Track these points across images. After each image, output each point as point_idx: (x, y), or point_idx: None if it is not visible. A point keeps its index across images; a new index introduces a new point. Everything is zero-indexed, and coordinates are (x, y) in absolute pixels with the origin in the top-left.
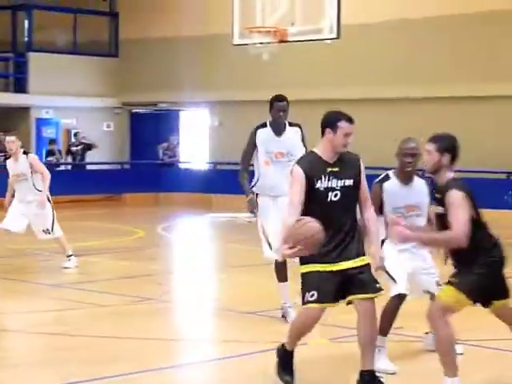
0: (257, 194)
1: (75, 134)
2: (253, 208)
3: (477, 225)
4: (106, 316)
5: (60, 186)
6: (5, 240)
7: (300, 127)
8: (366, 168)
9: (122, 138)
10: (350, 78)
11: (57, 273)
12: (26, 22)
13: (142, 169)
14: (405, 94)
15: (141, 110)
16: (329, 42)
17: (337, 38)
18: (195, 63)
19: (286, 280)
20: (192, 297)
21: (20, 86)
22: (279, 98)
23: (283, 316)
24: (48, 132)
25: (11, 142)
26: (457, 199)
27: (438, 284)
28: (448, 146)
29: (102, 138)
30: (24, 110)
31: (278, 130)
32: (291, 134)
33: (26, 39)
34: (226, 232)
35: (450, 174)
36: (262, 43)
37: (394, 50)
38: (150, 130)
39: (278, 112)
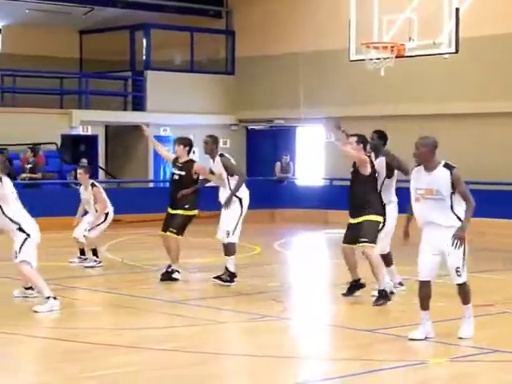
0: None
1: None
2: None
3: None
4: (222, 333)
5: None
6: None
7: None
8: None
9: (239, 155)
10: (467, 91)
11: (174, 289)
12: (144, 42)
13: (258, 185)
14: None
15: (257, 127)
16: (447, 56)
17: (456, 52)
18: (311, 79)
19: None
20: (309, 314)
21: (138, 105)
22: None
23: None
24: (166, 149)
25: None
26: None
27: None
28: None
29: None
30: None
31: None
32: None
33: (144, 58)
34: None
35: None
36: (378, 59)
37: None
38: (266, 146)
39: None
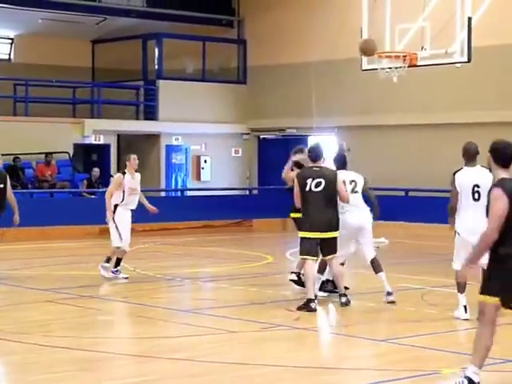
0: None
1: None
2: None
3: None
4: (235, 342)
5: (189, 211)
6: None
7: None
8: None
9: (250, 164)
10: (480, 101)
11: (187, 299)
12: (157, 51)
13: (269, 194)
14: None
15: (269, 136)
16: (459, 65)
17: (468, 61)
18: (323, 88)
19: None
20: (321, 323)
21: (150, 114)
22: None
23: None
24: (178, 158)
25: None
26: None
27: None
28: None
29: (230, 163)
30: (154, 137)
31: None
32: None
33: (156, 67)
34: (354, 258)
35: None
36: (390, 68)
37: None
38: (277, 155)
39: None
